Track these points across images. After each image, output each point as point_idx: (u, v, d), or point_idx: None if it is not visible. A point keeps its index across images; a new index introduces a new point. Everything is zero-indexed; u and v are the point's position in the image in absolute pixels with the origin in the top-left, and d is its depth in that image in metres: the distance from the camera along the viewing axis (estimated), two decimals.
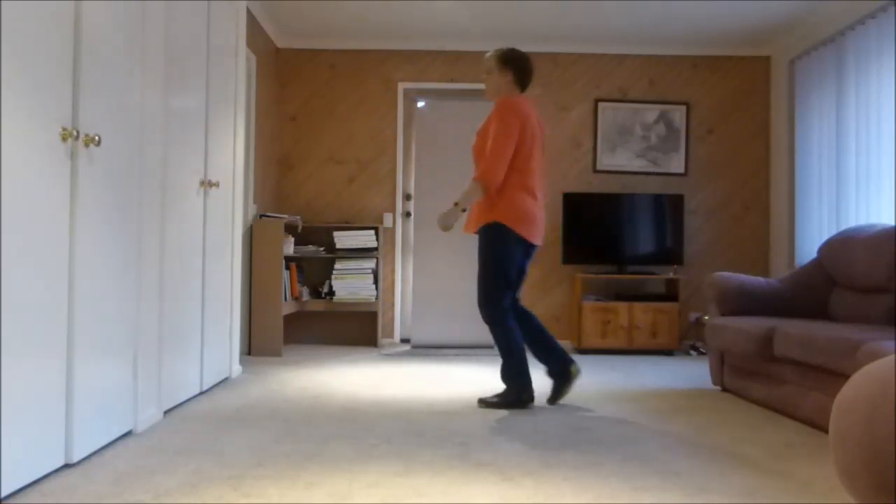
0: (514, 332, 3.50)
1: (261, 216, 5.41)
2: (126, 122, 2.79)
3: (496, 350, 3.65)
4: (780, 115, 6.13)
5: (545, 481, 2.35)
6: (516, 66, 3.59)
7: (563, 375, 3.60)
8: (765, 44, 6.19)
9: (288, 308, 5.41)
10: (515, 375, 3.52)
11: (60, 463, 2.36)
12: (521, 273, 3.62)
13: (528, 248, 3.57)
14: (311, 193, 6.26)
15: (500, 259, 3.45)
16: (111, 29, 2.65)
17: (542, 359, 3.63)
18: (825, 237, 5.36)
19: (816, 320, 3.78)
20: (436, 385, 4.15)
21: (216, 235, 3.93)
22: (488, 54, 3.65)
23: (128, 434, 2.88)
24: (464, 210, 3.40)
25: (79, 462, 2.48)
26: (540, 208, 3.56)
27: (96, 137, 2.45)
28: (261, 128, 5.70)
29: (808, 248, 5.59)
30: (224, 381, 4.13)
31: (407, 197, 6.29)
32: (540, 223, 3.55)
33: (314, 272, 6.20)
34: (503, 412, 3.43)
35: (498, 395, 3.55)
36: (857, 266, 3.83)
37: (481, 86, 6.27)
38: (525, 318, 3.62)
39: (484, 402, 3.54)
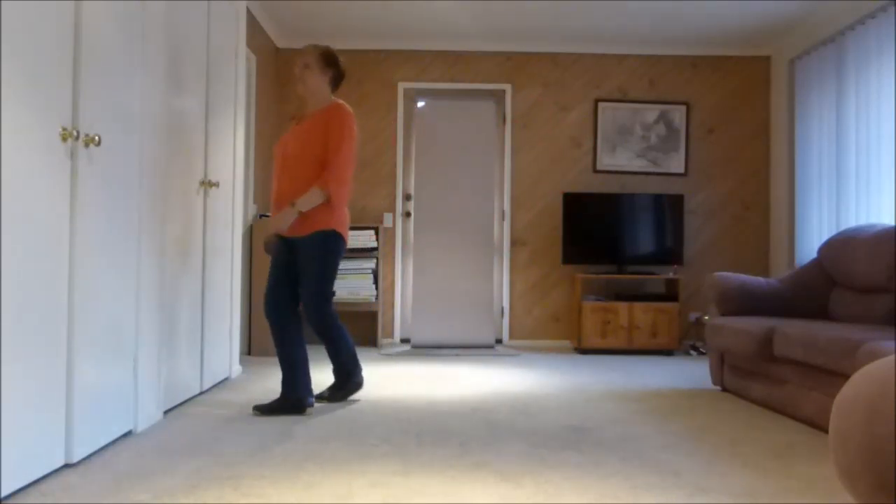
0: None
1: (261, 216, 5.40)
2: (126, 122, 2.79)
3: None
4: (780, 115, 6.13)
5: (545, 481, 2.35)
6: (336, 68, 3.59)
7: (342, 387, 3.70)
8: (765, 44, 6.19)
9: None
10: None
11: (60, 463, 2.36)
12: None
13: None
14: None
15: (335, 265, 3.51)
16: (111, 29, 2.65)
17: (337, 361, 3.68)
18: (825, 237, 5.36)
19: (816, 320, 3.78)
20: (436, 385, 4.15)
21: (216, 235, 3.93)
22: (308, 48, 3.56)
23: (128, 434, 2.88)
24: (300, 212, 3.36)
25: (79, 462, 2.48)
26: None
27: (96, 137, 2.45)
28: (261, 128, 5.70)
29: (808, 248, 5.59)
30: (224, 381, 4.13)
31: (407, 197, 6.29)
32: None
33: None
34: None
35: (276, 400, 3.37)
36: (857, 266, 3.83)
37: (482, 86, 6.27)
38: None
39: (261, 409, 3.31)
